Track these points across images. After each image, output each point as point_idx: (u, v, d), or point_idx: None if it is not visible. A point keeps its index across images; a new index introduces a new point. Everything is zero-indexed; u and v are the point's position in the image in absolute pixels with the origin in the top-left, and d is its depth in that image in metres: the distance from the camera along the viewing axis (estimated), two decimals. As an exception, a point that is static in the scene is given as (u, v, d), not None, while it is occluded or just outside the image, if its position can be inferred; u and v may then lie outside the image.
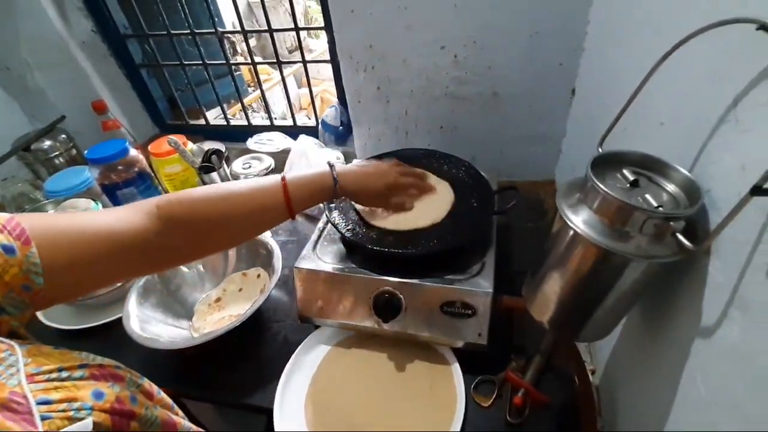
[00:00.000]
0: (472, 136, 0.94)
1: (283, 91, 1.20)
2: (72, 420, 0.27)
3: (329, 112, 1.05)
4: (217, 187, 0.52)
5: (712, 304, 0.33)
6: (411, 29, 0.83)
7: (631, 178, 0.37)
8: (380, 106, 0.95)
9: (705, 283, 0.34)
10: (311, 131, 1.12)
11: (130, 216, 0.43)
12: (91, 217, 0.40)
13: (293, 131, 1.11)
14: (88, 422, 0.28)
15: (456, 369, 0.62)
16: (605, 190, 0.35)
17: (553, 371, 0.62)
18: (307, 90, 1.19)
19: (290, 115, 1.20)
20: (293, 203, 0.53)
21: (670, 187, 0.37)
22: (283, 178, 0.54)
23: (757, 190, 0.25)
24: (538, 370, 0.61)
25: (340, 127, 1.03)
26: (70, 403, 0.28)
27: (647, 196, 0.35)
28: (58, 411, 0.27)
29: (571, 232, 0.38)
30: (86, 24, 1.11)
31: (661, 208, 0.34)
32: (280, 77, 1.16)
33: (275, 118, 1.24)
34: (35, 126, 1.16)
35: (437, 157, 0.78)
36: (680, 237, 0.32)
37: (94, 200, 0.89)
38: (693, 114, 0.38)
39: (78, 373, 0.31)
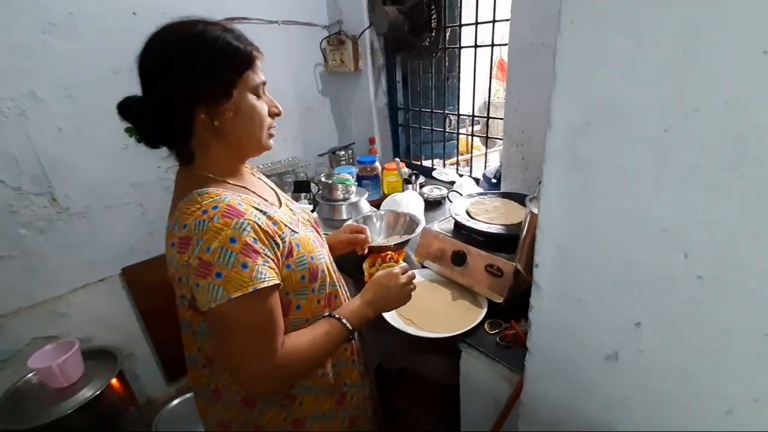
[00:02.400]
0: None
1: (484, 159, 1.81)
2: None
3: (491, 169, 1.57)
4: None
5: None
6: (550, 125, 1.28)
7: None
8: (521, 170, 1.41)
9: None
10: (476, 179, 1.67)
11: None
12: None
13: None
14: None
15: (483, 311, 1.00)
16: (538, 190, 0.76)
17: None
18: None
19: (470, 170, 1.79)
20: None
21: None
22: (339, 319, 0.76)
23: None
24: (532, 329, 0.92)
25: (493, 180, 1.52)
26: None
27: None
28: None
29: (530, 214, 0.79)
30: (384, 100, 2.03)
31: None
32: (485, 150, 1.78)
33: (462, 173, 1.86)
34: (340, 143, 2.15)
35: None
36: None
37: (352, 179, 1.68)
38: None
39: None
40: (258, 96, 0.69)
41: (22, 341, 1.44)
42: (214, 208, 0.61)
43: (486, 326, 0.97)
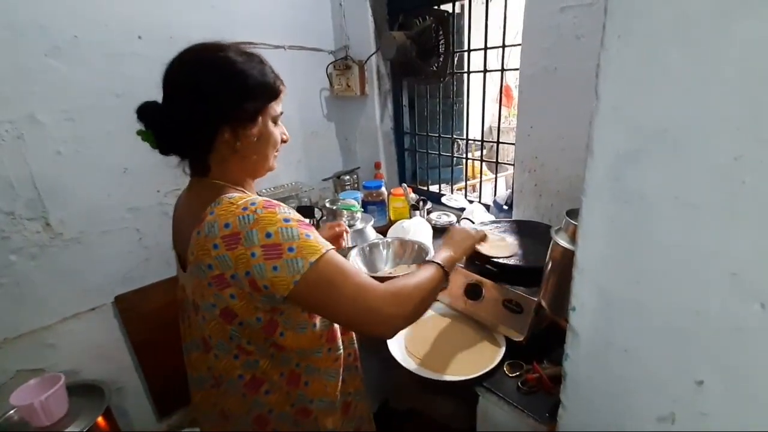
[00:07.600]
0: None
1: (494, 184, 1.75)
2: None
3: (502, 195, 1.51)
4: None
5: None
6: (564, 150, 1.23)
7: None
8: (534, 198, 1.35)
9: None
10: (486, 205, 1.61)
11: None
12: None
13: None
14: None
15: (501, 351, 0.91)
16: (568, 219, 0.69)
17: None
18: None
19: (479, 196, 1.74)
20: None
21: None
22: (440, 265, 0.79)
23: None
24: (558, 373, 0.83)
25: (505, 206, 1.47)
26: None
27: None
28: None
29: (555, 246, 0.72)
30: (390, 124, 2.01)
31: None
32: (492, 175, 1.72)
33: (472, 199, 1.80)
34: (344, 167, 2.11)
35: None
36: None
37: (357, 205, 1.63)
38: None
39: None
40: (276, 124, 0.75)
41: (6, 374, 1.35)
42: (252, 203, 0.63)
43: (505, 368, 0.89)
